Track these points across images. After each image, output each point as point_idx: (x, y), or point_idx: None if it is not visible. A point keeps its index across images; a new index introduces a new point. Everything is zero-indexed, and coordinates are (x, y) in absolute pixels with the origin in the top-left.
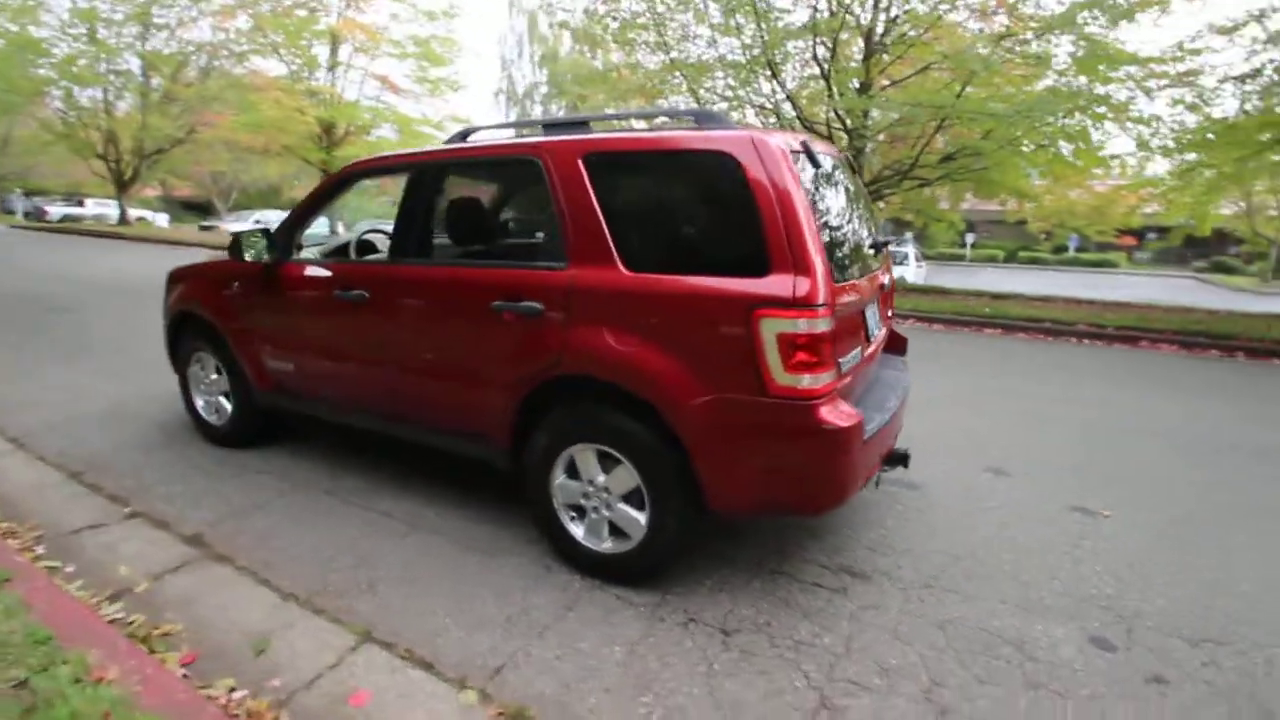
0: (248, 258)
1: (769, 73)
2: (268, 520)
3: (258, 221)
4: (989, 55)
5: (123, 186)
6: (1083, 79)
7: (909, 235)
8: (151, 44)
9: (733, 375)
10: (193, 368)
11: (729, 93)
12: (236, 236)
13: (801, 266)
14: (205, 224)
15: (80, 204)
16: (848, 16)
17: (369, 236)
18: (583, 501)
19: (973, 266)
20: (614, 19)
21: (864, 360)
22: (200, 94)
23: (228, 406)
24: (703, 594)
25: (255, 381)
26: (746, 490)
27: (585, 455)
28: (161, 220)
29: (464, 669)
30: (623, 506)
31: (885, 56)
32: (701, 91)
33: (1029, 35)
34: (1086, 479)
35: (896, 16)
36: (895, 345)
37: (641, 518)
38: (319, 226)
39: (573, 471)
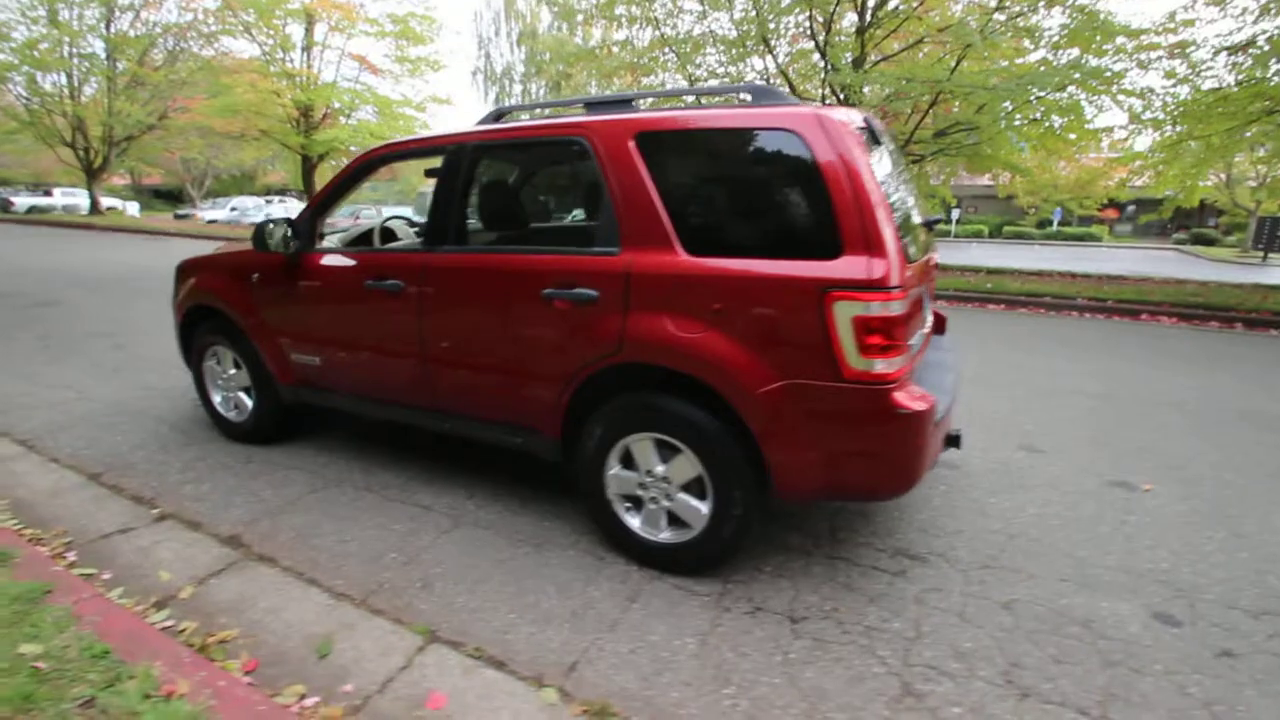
0: (271, 247)
1: (763, 48)
2: (306, 518)
3: (234, 209)
4: (983, 27)
5: (93, 175)
6: (1075, 50)
7: None
8: (116, 27)
9: (804, 360)
10: (208, 363)
11: (720, 69)
12: (260, 226)
13: (875, 247)
14: (180, 212)
15: (48, 194)
16: None
17: (390, 224)
18: (639, 492)
19: (959, 242)
20: None
21: (924, 342)
22: (169, 77)
23: (248, 402)
24: (764, 581)
25: (278, 376)
26: (815, 476)
27: (643, 445)
28: (132, 209)
29: (538, 666)
30: (683, 496)
31: (878, 31)
32: (690, 68)
33: (1022, 7)
34: (1118, 453)
35: None
36: (937, 325)
37: (704, 507)
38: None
39: (628, 462)
